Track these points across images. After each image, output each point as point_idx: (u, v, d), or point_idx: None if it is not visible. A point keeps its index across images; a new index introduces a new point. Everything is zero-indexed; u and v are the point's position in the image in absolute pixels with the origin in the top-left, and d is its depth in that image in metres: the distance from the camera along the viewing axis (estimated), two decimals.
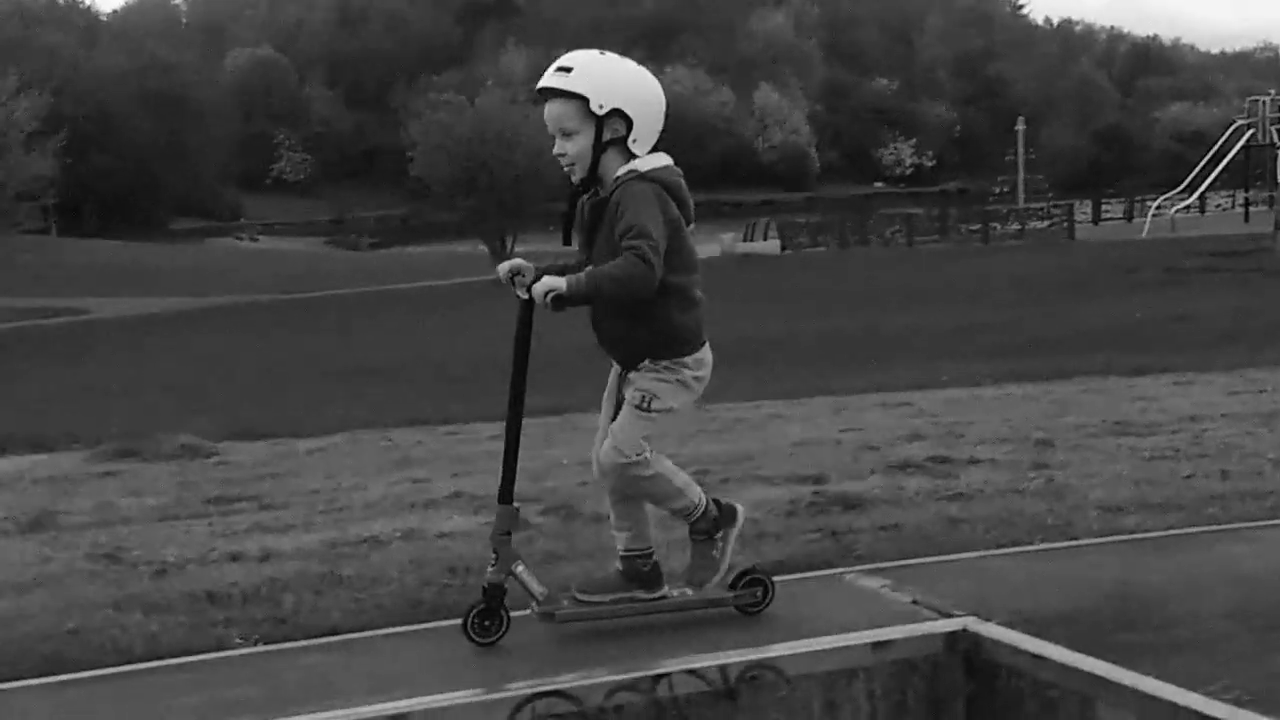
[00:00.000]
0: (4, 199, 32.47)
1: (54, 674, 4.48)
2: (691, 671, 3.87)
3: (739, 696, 3.90)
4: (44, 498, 8.35)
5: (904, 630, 4.18)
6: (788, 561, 5.51)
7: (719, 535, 4.65)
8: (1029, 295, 29.95)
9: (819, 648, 4.06)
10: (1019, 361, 16.21)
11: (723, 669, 3.87)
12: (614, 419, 4.49)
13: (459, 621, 4.43)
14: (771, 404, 12.36)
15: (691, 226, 4.50)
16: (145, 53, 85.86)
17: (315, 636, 4.83)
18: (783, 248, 55.02)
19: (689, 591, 4.65)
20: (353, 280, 48.19)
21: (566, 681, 3.77)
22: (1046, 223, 52.23)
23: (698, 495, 4.58)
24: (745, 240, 59.64)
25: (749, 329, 27.77)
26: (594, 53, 4.37)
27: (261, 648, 4.74)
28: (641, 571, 4.61)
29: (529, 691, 3.67)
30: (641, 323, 4.36)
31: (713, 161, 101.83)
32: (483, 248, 45.43)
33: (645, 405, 4.40)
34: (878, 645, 4.05)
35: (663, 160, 4.39)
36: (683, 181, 4.44)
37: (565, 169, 4.40)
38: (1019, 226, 52.75)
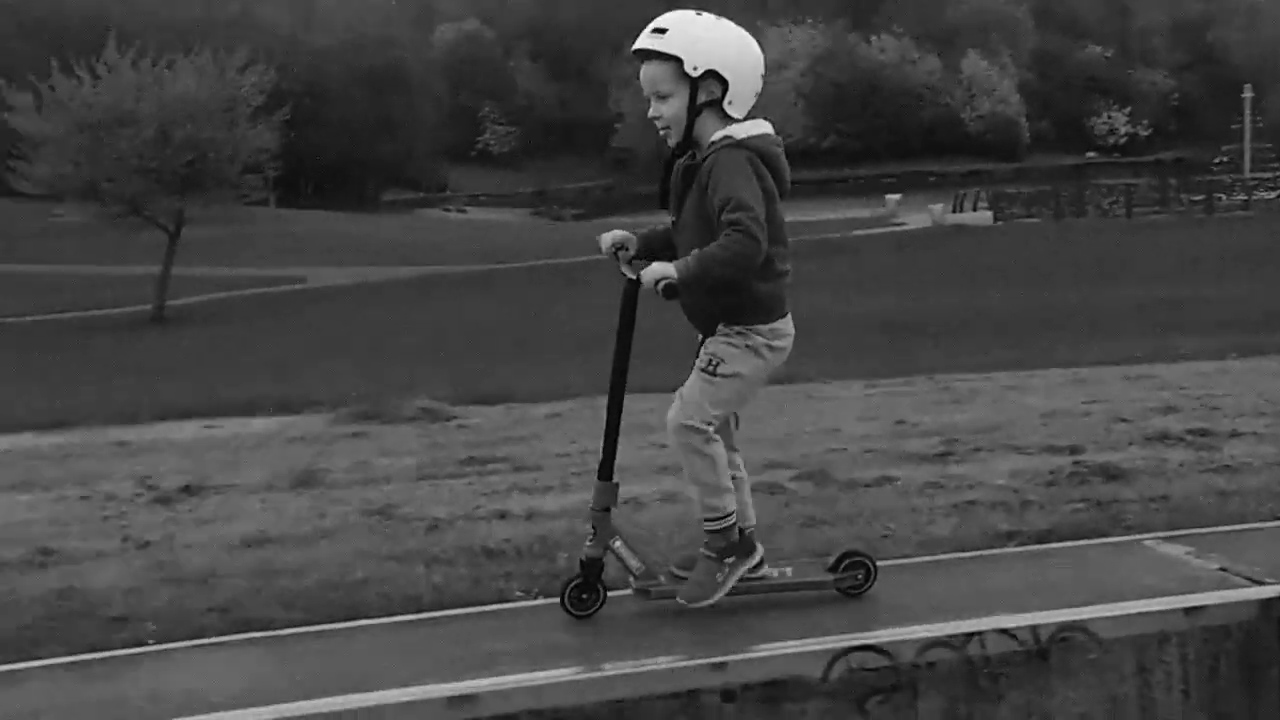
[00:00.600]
0: (231, 171, 33.64)
1: (352, 619, 4.65)
2: (1004, 631, 3.83)
3: (1050, 656, 3.85)
4: (302, 457, 8.64)
5: (1218, 596, 4.09)
6: (1055, 530, 5.46)
7: (729, 561, 4.39)
8: (1259, 268, 28.85)
9: (1131, 611, 3.98)
10: (1256, 336, 15.63)
11: (1034, 629, 3.83)
12: None
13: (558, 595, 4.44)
14: (1003, 375, 12.14)
15: (784, 198, 4.33)
16: (359, 29, 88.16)
17: None
18: (995, 219, 53.98)
19: (789, 571, 4.57)
20: (558, 250, 48.77)
21: (880, 636, 3.77)
22: (1275, 193, 50.21)
23: (731, 506, 4.37)
24: (955, 211, 58.66)
25: (961, 300, 27.35)
26: (690, 13, 4.26)
27: (543, 600, 4.84)
28: (731, 540, 4.45)
29: (844, 645, 3.69)
30: (723, 291, 4.23)
31: (918, 131, 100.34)
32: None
33: (711, 368, 4.28)
34: (1190, 610, 3.96)
35: (762, 128, 4.26)
36: (781, 152, 4.31)
37: (661, 133, 4.29)
38: (1245, 197, 50.87)
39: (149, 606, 4.88)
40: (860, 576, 4.50)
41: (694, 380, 4.31)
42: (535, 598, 4.89)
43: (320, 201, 69.73)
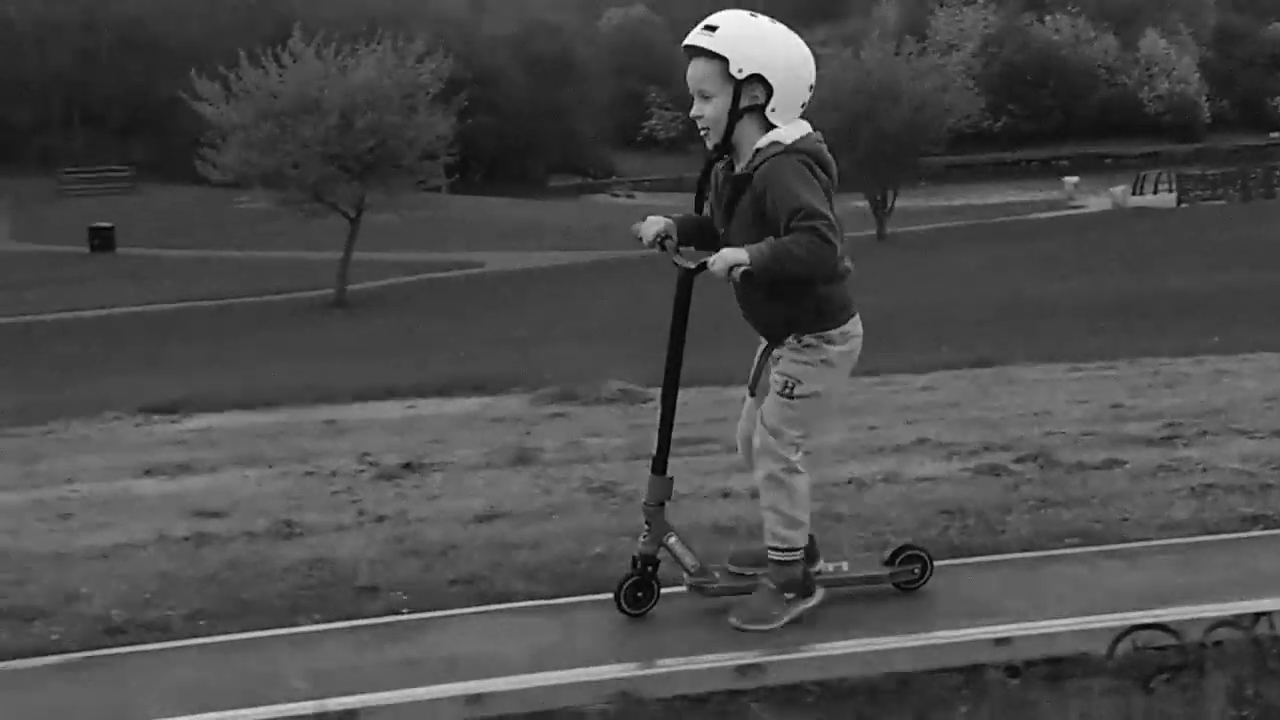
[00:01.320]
0: (410, 157, 34.24)
1: (596, 593, 4.71)
2: None
3: None
4: (510, 436, 8.77)
5: None
6: None
7: (789, 597, 4.27)
8: None
9: None
10: None
11: None
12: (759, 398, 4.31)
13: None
14: (1210, 359, 11.81)
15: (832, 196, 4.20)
16: (529, 17, 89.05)
17: None
18: (1179, 202, 52.48)
19: (844, 566, 4.52)
20: None
21: (1167, 615, 3.71)
22: None
23: (803, 543, 4.28)
24: (1137, 193, 57.18)
25: (1150, 284, 26.68)
26: (744, 14, 4.14)
27: None
28: (796, 581, 4.37)
29: (1130, 623, 3.64)
30: (785, 295, 4.13)
31: (1093, 112, 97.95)
32: (859, 202, 45.19)
33: (788, 392, 4.17)
34: None
35: (803, 129, 4.15)
36: (824, 147, 4.18)
37: (700, 133, 4.20)
38: None
39: (397, 577, 5.01)
40: (916, 570, 4.46)
41: (771, 403, 4.21)
42: None
43: (489, 187, 70.66)
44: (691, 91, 4.15)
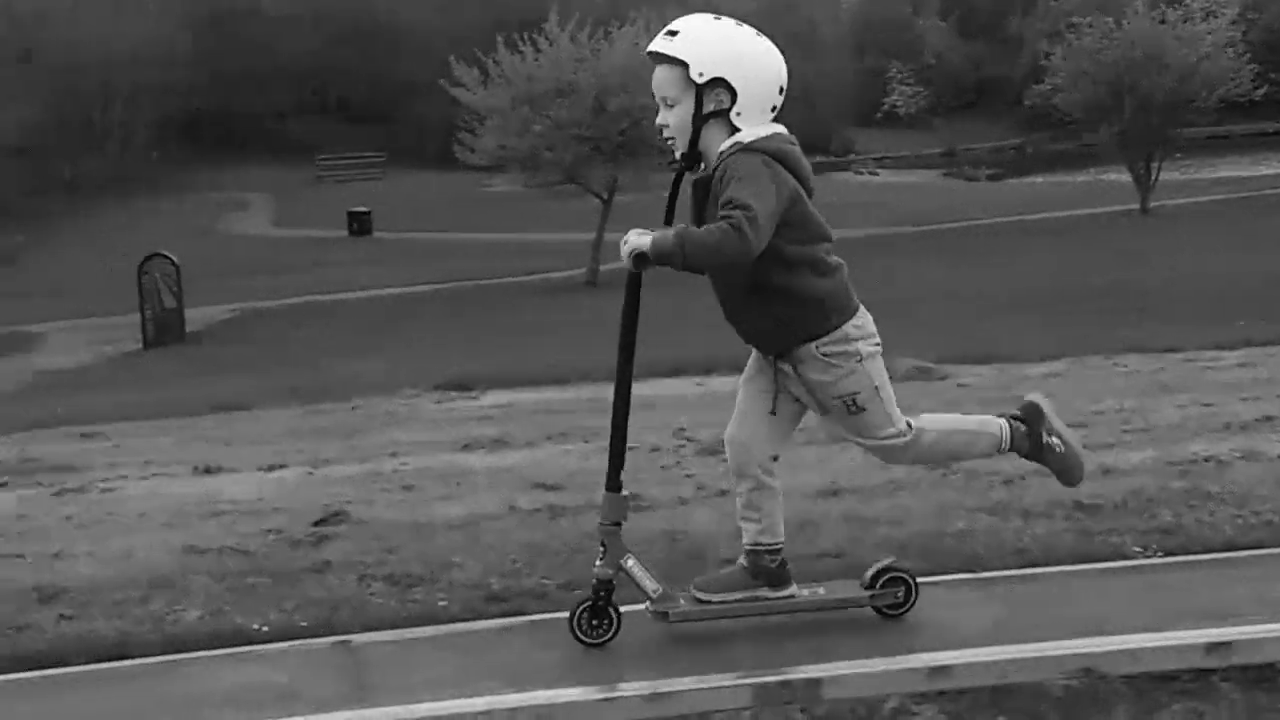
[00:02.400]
0: (662, 139, 34.28)
1: (970, 571, 4.64)
2: None
3: None
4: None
5: None
6: None
7: (1045, 437, 4.26)
8: None
9: None
10: None
11: None
12: (759, 408, 4.16)
13: (566, 617, 4.18)
14: None
15: (811, 196, 4.05)
16: None
17: (1207, 551, 4.76)
18: None
19: (820, 591, 4.29)
20: (981, 211, 47.76)
21: None
22: None
23: (995, 428, 4.24)
24: None
25: None
26: (707, 17, 4.01)
27: (1163, 559, 4.71)
28: (769, 568, 4.24)
29: None
30: (775, 303, 3.99)
31: None
32: (1120, 176, 43.69)
33: (854, 407, 4.05)
34: None
35: (771, 129, 3.99)
36: (794, 149, 4.02)
37: (667, 142, 4.07)
38: None
39: None
40: (900, 594, 4.23)
41: (854, 424, 4.10)
42: (1154, 554, 4.76)
43: None
44: (656, 99, 4.07)
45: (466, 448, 8.41)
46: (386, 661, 4.19)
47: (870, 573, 4.25)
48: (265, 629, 4.56)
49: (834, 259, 4.08)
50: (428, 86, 71.10)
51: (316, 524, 5.94)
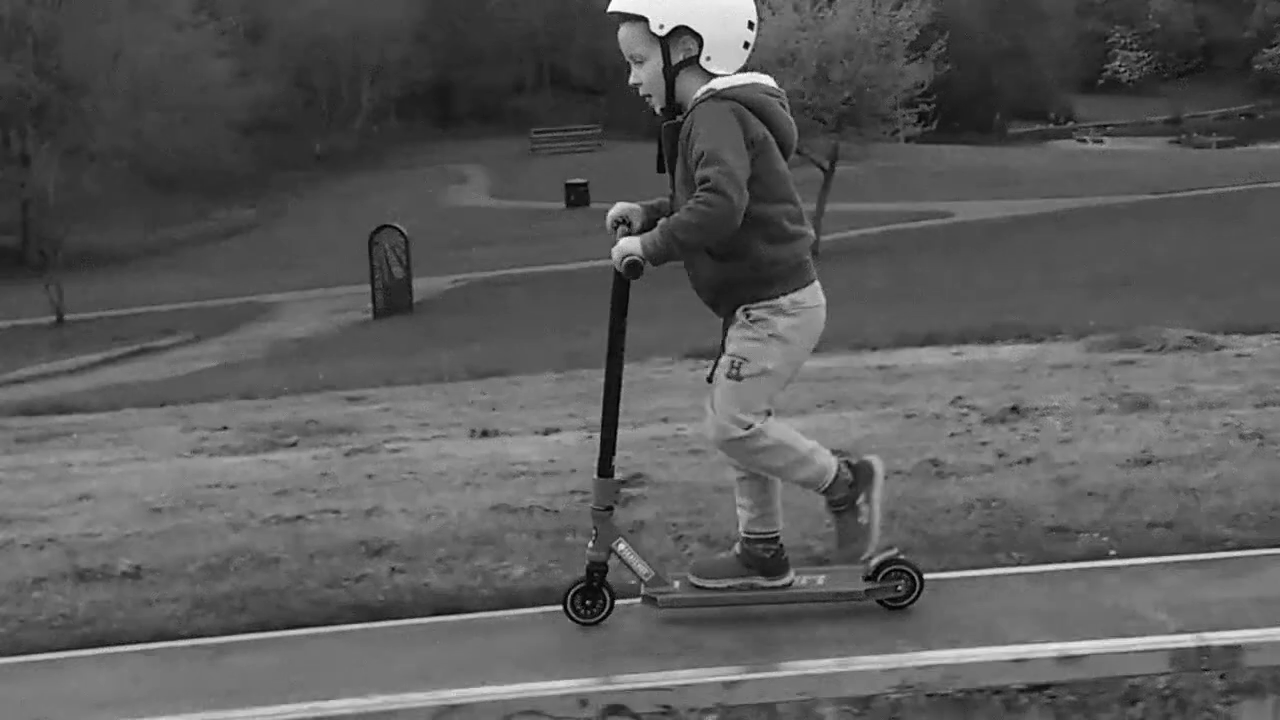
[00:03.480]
0: (885, 107, 33.98)
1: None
2: None
3: None
4: (1095, 381, 8.52)
5: None
6: None
7: (860, 500, 4.02)
8: None
9: None
10: None
11: None
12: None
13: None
14: None
15: (788, 155, 3.90)
16: None
17: None
18: None
19: (819, 580, 4.16)
20: (1219, 178, 46.11)
21: None
22: None
23: (826, 462, 4.00)
24: None
25: None
26: None
27: None
28: (762, 557, 4.15)
29: None
30: (727, 260, 3.85)
31: None
32: None
33: (736, 372, 3.90)
34: None
35: (748, 78, 3.86)
36: (773, 100, 3.86)
37: (646, 99, 3.92)
38: None
39: (1082, 519, 4.92)
40: (902, 587, 4.09)
41: (722, 387, 3.95)
42: None
43: (945, 135, 69.39)
44: (626, 58, 3.92)
45: None
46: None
47: (873, 564, 4.14)
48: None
49: (796, 227, 3.94)
50: None
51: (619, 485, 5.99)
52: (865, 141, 34.79)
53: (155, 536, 5.63)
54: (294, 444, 8.35)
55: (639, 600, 4.20)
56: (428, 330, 27.39)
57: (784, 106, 3.92)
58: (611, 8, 3.89)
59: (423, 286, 33.87)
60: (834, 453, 4.10)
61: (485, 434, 8.29)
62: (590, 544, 4.17)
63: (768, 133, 3.82)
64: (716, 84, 3.82)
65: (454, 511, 5.72)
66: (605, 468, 4.18)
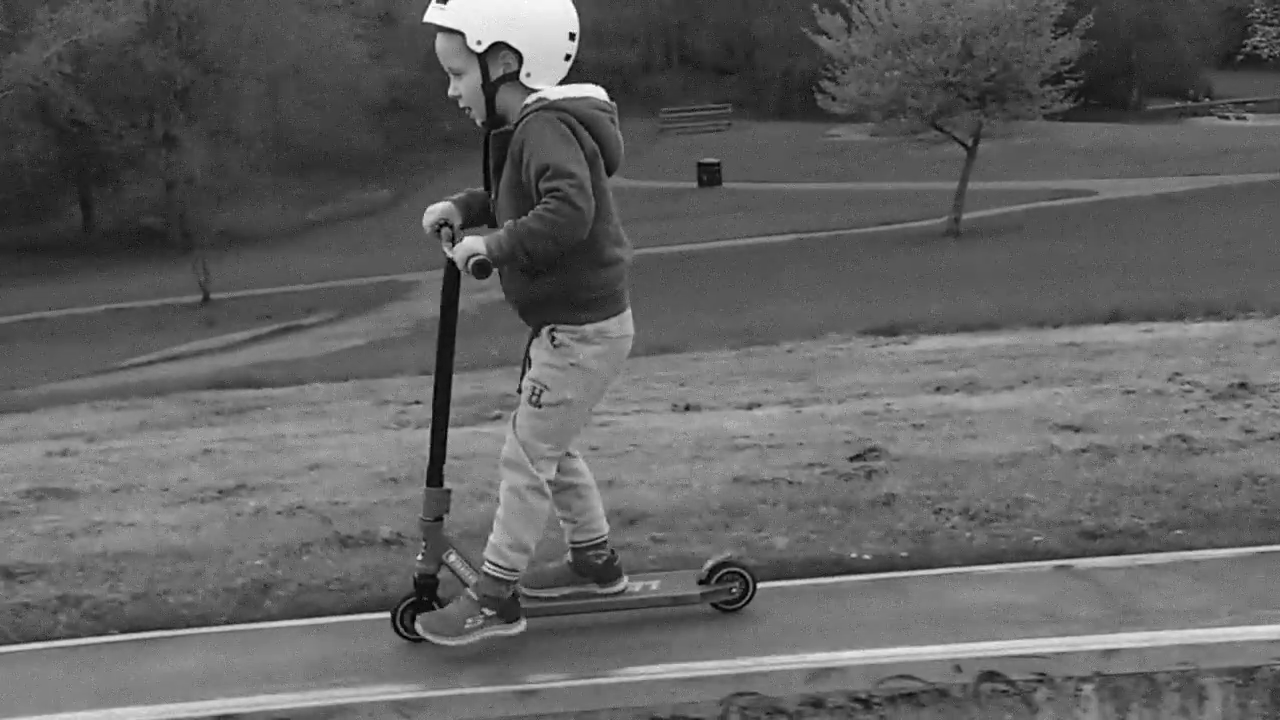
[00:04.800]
0: (1031, 83, 33.39)
1: None
2: None
3: None
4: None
5: None
6: None
7: (488, 615, 3.87)
8: None
9: None
10: None
11: None
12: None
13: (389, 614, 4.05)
14: None
15: (613, 172, 3.77)
16: None
17: None
18: None
19: (653, 585, 4.11)
20: None
21: None
22: None
23: (520, 568, 3.90)
24: None
25: None
26: None
27: None
28: (594, 565, 4.10)
29: None
30: (539, 278, 3.74)
31: None
32: None
33: (536, 399, 3.81)
34: None
35: (581, 91, 3.75)
36: (604, 116, 3.75)
37: (466, 112, 3.80)
38: None
39: None
40: (735, 590, 4.07)
41: (522, 411, 3.86)
42: None
43: (1087, 112, 68.11)
44: (445, 70, 3.78)
45: (939, 389, 8.34)
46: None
47: (707, 567, 4.11)
48: (865, 557, 4.61)
49: (614, 251, 3.84)
50: (770, 38, 71.33)
51: (853, 459, 5.98)
52: (1009, 118, 34.18)
53: (400, 505, 5.72)
54: (497, 417, 8.41)
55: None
56: None
57: (614, 123, 3.83)
58: (426, 18, 3.77)
59: None
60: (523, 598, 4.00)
61: (688, 408, 8.31)
62: (419, 557, 4.05)
63: (596, 149, 3.72)
64: (549, 94, 3.73)
65: (695, 483, 5.74)
66: (435, 476, 4.04)
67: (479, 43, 3.69)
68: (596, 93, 3.81)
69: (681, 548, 4.82)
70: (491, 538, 3.91)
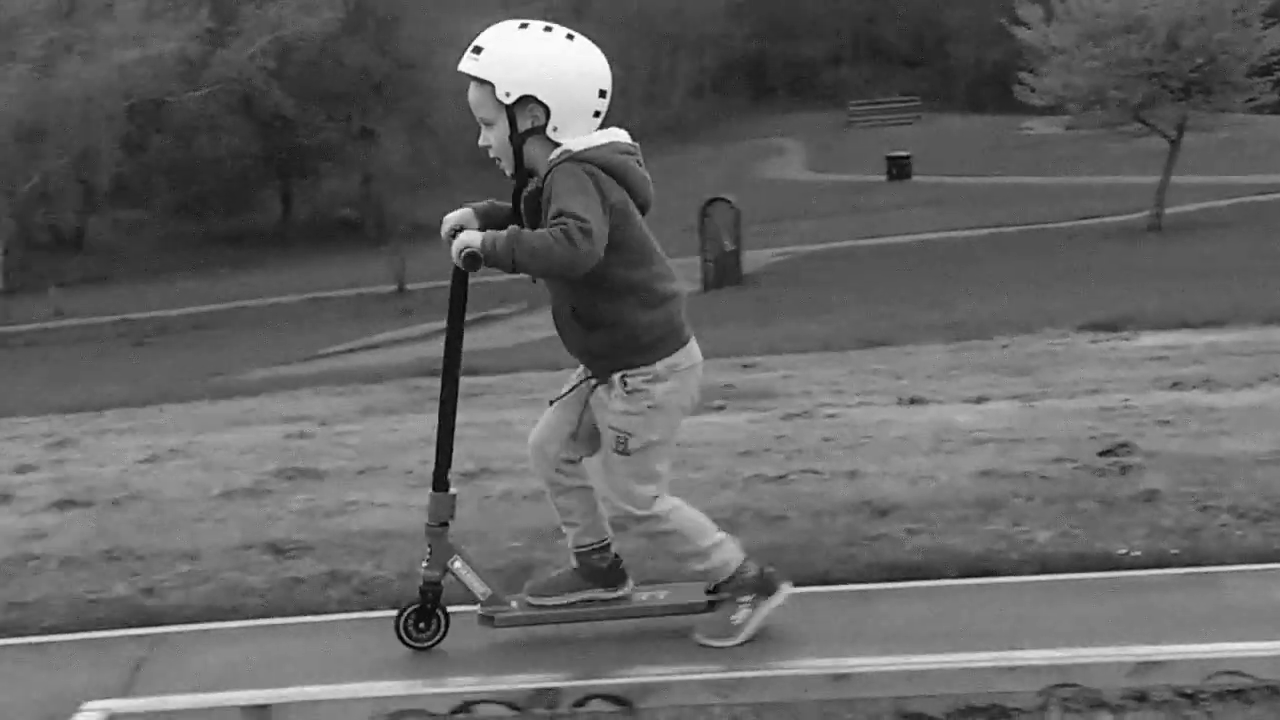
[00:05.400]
0: (1238, 74, 32.30)
1: None
2: None
3: None
4: None
5: None
6: None
7: (746, 601, 3.91)
8: None
9: None
10: None
11: None
12: (562, 415, 4.00)
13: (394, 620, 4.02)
14: None
15: (645, 212, 3.81)
16: None
17: None
18: None
19: (660, 594, 4.08)
20: None
21: None
22: None
23: (728, 556, 3.94)
24: None
25: None
26: (510, 27, 3.73)
27: None
28: (599, 568, 4.06)
29: None
30: (598, 329, 3.80)
31: None
32: None
33: (623, 448, 3.84)
34: None
35: (605, 138, 3.76)
36: (627, 159, 3.76)
37: (496, 163, 3.83)
38: None
39: None
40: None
41: (612, 462, 3.87)
42: None
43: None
44: (476, 119, 3.81)
45: (1176, 386, 8.12)
46: None
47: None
48: (1134, 553, 4.51)
49: (667, 287, 3.86)
50: (961, 29, 70.28)
51: (1104, 454, 5.86)
52: (1214, 110, 33.12)
53: None
54: (721, 408, 8.44)
55: None
56: (761, 302, 27.43)
57: (640, 164, 3.84)
58: (460, 67, 3.78)
59: (748, 259, 33.95)
60: (747, 558, 4.00)
61: (913, 401, 8.22)
62: (424, 563, 4.02)
63: (625, 196, 3.76)
64: (572, 145, 3.74)
65: (941, 476, 5.68)
66: (440, 482, 4.01)
67: (507, 94, 3.73)
68: (619, 136, 3.84)
69: (938, 539, 4.77)
70: (692, 568, 3.99)
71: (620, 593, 4.09)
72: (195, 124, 52.27)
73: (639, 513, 3.89)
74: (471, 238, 3.71)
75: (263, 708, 2.65)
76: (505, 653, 3.94)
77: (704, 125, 68.58)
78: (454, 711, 2.66)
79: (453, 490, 4.03)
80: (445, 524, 4.01)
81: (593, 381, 3.93)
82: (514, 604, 4.06)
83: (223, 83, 49.02)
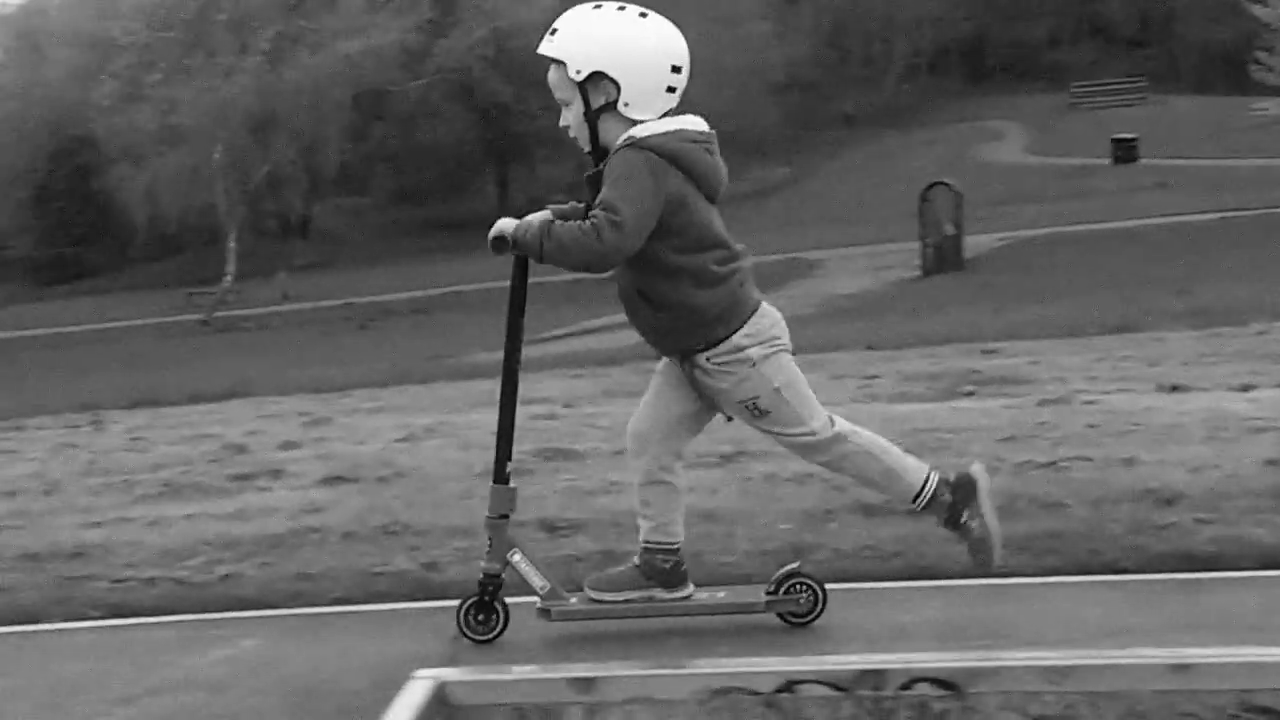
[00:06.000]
0: None
1: None
2: None
3: None
4: None
5: None
6: None
7: (965, 516, 3.89)
8: None
9: None
10: None
11: None
12: (664, 401, 3.95)
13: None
14: None
15: (714, 201, 3.82)
16: None
17: None
18: None
19: (719, 593, 4.04)
20: None
21: None
22: None
23: (919, 476, 3.89)
24: None
25: None
26: (585, 8, 3.78)
27: None
28: (662, 569, 4.01)
29: None
30: (663, 310, 3.82)
31: None
32: None
33: (757, 410, 3.83)
34: None
35: (671, 125, 3.76)
36: (697, 148, 3.76)
37: (574, 143, 3.85)
38: None
39: None
40: (804, 601, 3.95)
41: (762, 429, 3.91)
42: None
43: None
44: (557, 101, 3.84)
45: None
46: None
47: (776, 577, 3.99)
48: None
49: (722, 268, 3.81)
50: (1189, 7, 67.97)
51: None
52: None
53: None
54: (971, 393, 8.29)
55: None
56: (984, 287, 26.89)
57: (710, 151, 3.83)
58: (540, 50, 3.83)
59: (969, 243, 33.33)
60: (934, 469, 3.95)
61: (1175, 389, 7.95)
62: (485, 555, 3.98)
63: (685, 185, 3.75)
64: (637, 131, 3.76)
65: (1225, 465, 5.46)
66: (500, 474, 3.96)
67: (579, 72, 3.77)
68: (691, 124, 3.84)
69: (1232, 530, 4.58)
70: (884, 493, 4.02)
71: (679, 595, 4.06)
72: (415, 112, 53.50)
73: (811, 439, 3.87)
74: (505, 224, 3.82)
75: (589, 680, 2.65)
76: (827, 634, 3.90)
77: (920, 108, 67.54)
78: (777, 690, 2.62)
79: (512, 484, 3.99)
80: (505, 516, 3.99)
81: (683, 364, 3.91)
82: (573, 599, 4.03)
83: (443, 72, 50.05)
